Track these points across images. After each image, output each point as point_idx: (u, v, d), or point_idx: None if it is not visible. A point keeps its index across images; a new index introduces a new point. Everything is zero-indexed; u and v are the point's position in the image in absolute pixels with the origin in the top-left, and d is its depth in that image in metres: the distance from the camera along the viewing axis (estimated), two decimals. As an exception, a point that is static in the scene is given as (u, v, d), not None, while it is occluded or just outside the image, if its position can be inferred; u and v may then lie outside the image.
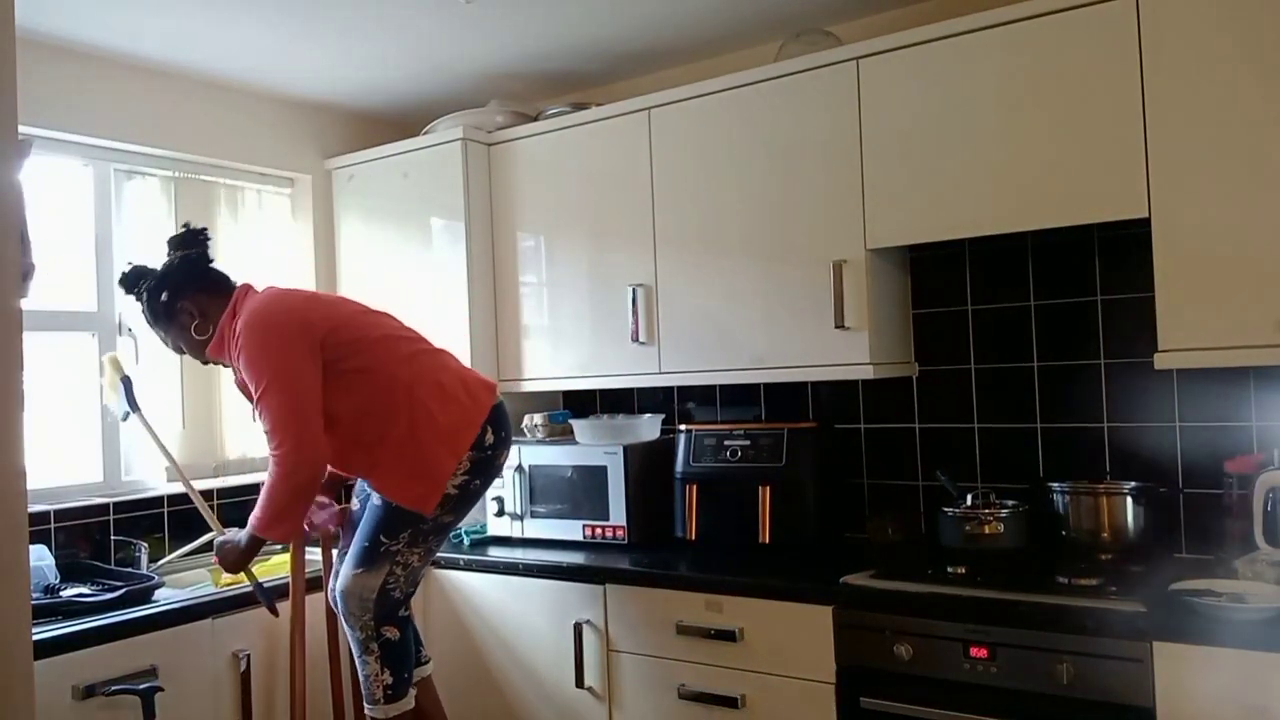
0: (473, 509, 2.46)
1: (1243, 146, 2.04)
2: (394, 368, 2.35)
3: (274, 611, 2.45)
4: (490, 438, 2.37)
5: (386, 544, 2.31)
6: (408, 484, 2.30)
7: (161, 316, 2.43)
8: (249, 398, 2.34)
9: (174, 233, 2.52)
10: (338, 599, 2.37)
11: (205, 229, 2.53)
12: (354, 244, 3.41)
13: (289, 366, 2.25)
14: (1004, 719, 2.03)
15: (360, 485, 2.54)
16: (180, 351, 2.50)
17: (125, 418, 2.69)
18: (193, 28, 2.69)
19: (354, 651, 2.37)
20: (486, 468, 2.39)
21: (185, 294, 2.41)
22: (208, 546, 2.97)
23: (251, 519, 2.30)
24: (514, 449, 3.00)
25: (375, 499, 2.36)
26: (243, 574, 2.45)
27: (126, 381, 2.66)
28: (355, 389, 2.31)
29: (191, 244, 2.49)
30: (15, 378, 1.19)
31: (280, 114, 3.35)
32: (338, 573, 2.54)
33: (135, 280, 2.47)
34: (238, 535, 2.38)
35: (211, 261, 2.50)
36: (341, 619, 2.38)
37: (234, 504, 3.13)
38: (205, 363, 2.49)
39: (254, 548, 2.35)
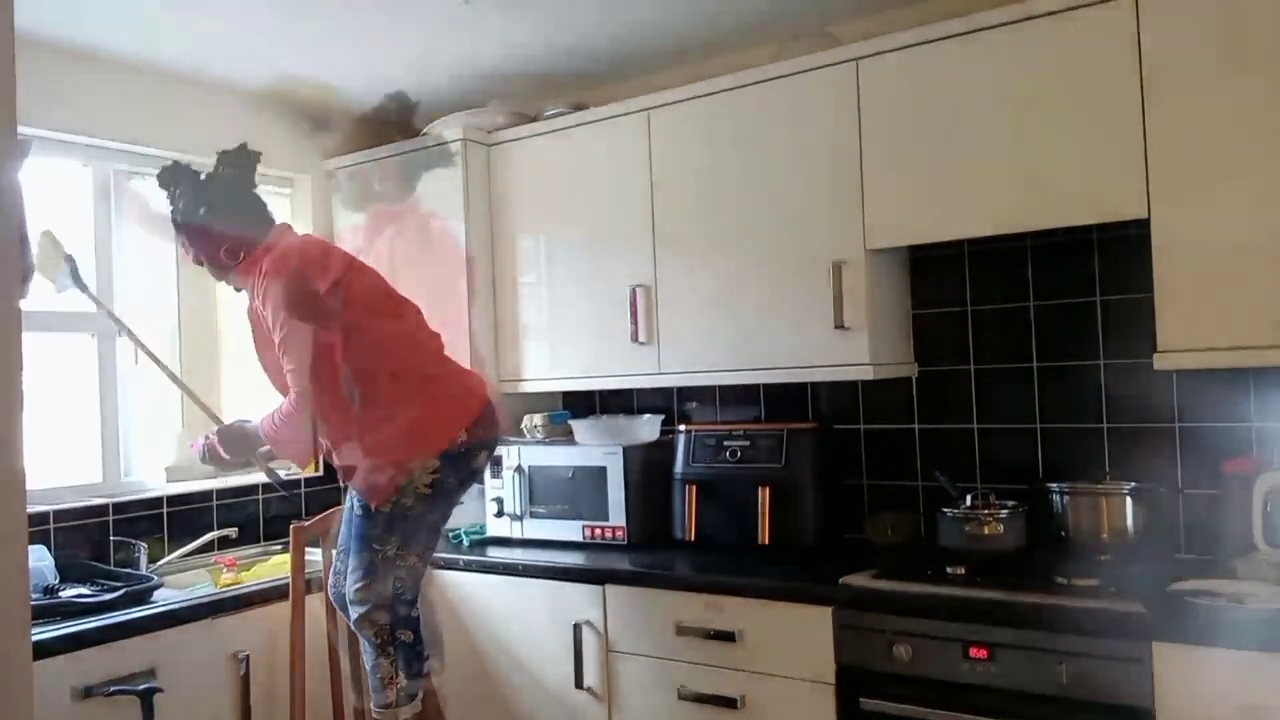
0: (461, 506, 2.44)
1: (1242, 147, 2.04)
2: (388, 351, 2.35)
3: (289, 493, 2.52)
4: (464, 436, 2.34)
5: (382, 550, 2.30)
6: (365, 472, 2.30)
7: (193, 228, 2.41)
8: (257, 334, 2.38)
9: (227, 148, 2.48)
10: (350, 610, 2.35)
11: (259, 153, 2.49)
12: (353, 244, 3.40)
13: (306, 319, 2.26)
14: (1003, 719, 2.04)
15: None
16: (199, 263, 2.47)
17: (63, 290, 2.58)
18: (193, 28, 2.69)
19: (368, 655, 2.34)
20: (459, 466, 2.36)
21: (224, 214, 2.38)
22: (208, 547, 2.98)
23: (262, 424, 2.35)
24: (514, 449, 3.01)
25: (356, 508, 2.35)
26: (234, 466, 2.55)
27: (71, 260, 2.55)
28: (350, 354, 2.31)
29: (242, 164, 2.45)
30: (15, 378, 1.19)
31: (281, 112, 3.35)
32: (338, 571, 2.54)
33: (175, 179, 2.43)
34: (245, 425, 2.43)
35: (256, 186, 2.48)
36: (353, 626, 2.36)
37: (235, 504, 3.14)
38: (219, 279, 2.48)
39: (255, 445, 2.41)
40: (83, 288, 2.56)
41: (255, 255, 2.35)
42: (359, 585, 2.31)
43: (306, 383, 2.26)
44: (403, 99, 2.45)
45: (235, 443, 2.43)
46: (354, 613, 2.33)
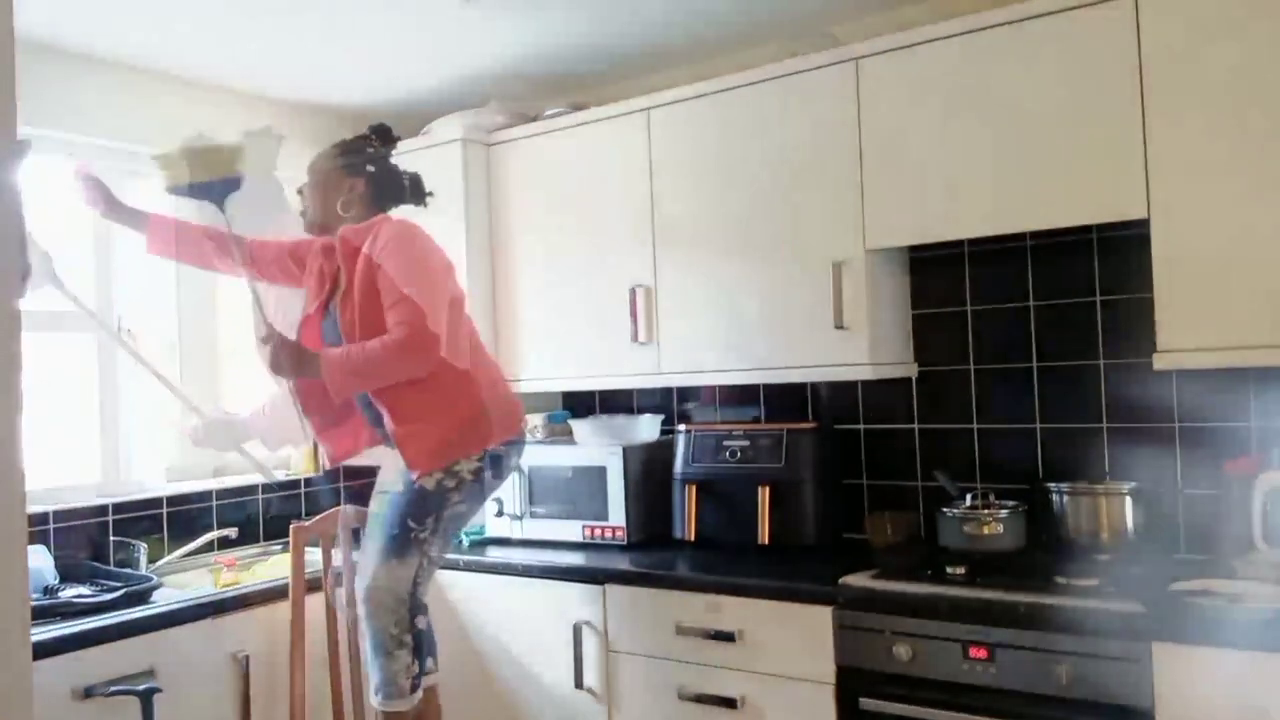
0: (486, 503, 2.46)
1: (1243, 146, 2.04)
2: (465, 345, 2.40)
3: (275, 484, 2.49)
4: (505, 446, 2.42)
5: (416, 530, 2.29)
6: (422, 441, 2.29)
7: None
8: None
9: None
10: (368, 596, 2.31)
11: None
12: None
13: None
14: (1003, 719, 2.04)
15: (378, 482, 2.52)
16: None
17: (37, 288, 2.44)
18: (193, 29, 2.69)
19: (382, 648, 2.30)
20: (498, 463, 2.41)
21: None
22: (208, 547, 2.98)
23: (329, 356, 2.23)
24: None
25: (397, 484, 2.34)
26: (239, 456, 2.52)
27: (46, 258, 2.46)
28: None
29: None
30: (15, 378, 1.19)
31: (280, 114, 3.35)
32: (337, 576, 2.54)
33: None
34: (232, 418, 2.45)
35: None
36: (368, 617, 2.32)
37: (234, 504, 3.14)
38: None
39: (309, 368, 2.24)
40: (58, 285, 2.53)
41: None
42: (382, 567, 2.29)
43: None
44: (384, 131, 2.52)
45: (219, 434, 2.47)
46: (369, 602, 2.30)
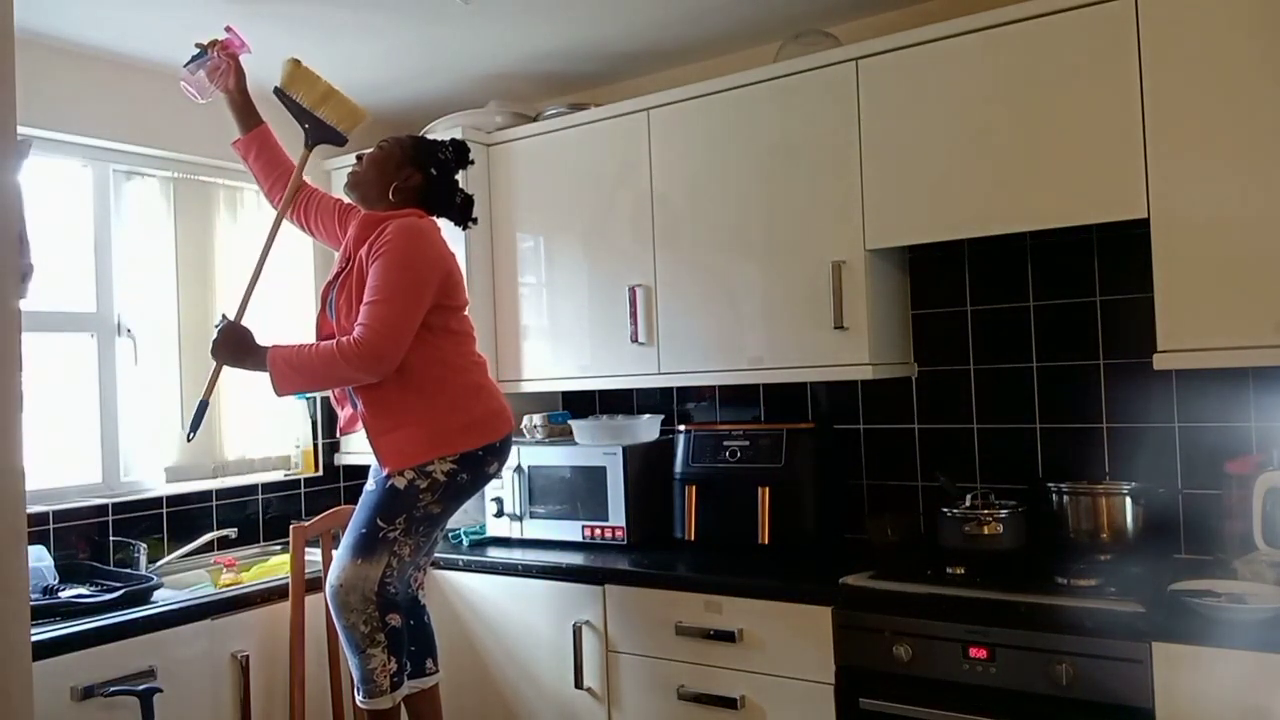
0: (462, 506, 2.44)
1: (1243, 146, 2.04)
2: (453, 348, 2.38)
3: (192, 433, 2.37)
4: (482, 451, 2.38)
5: (384, 529, 2.29)
6: (395, 437, 2.30)
7: None
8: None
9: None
10: (334, 594, 2.32)
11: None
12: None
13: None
14: (1003, 719, 2.04)
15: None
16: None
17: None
18: (193, 28, 2.69)
19: (355, 646, 2.31)
20: (475, 467, 2.37)
21: None
22: (207, 547, 2.98)
23: (279, 351, 2.25)
24: (513, 449, 3.00)
25: (369, 484, 2.35)
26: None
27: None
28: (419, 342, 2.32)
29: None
30: (15, 378, 1.19)
31: (279, 114, 3.34)
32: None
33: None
34: (251, 339, 2.30)
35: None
36: (335, 614, 2.33)
37: (234, 504, 3.14)
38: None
39: (253, 360, 2.27)
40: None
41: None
42: (349, 564, 2.29)
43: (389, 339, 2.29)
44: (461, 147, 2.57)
45: (230, 351, 2.29)
46: (337, 599, 2.31)
